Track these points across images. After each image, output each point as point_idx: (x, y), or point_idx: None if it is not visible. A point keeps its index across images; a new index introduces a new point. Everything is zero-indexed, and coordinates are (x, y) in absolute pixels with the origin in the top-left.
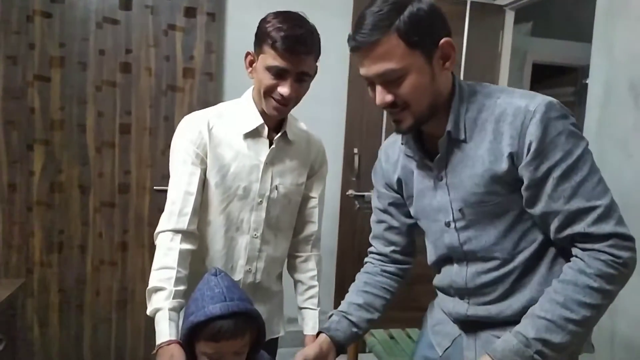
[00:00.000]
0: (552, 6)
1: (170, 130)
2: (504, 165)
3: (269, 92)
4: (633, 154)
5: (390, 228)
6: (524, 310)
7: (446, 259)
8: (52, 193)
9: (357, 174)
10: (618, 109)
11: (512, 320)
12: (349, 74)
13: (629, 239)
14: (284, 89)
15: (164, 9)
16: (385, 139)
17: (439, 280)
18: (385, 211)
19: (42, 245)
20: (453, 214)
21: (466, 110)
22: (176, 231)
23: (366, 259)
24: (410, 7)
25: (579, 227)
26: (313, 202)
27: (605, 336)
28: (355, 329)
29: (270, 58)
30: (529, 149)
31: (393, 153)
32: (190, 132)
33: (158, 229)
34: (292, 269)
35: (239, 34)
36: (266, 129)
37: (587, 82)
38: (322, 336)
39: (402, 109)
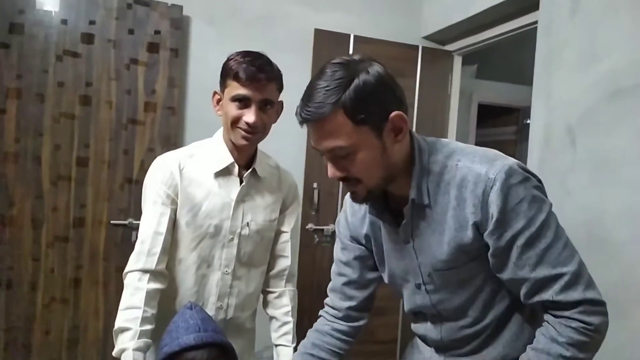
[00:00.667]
0: (495, 51)
1: (129, 163)
2: (469, 234)
3: (235, 123)
4: (571, 192)
5: (350, 282)
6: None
7: (420, 314)
8: (2, 227)
9: (317, 208)
10: (557, 150)
11: None
12: None
13: (600, 303)
14: (249, 117)
15: (126, 44)
16: None
17: (415, 328)
18: (347, 264)
19: None
20: (422, 277)
21: (428, 173)
22: (144, 271)
23: (320, 312)
24: (357, 81)
25: (547, 295)
26: (285, 237)
27: None
28: None
29: (234, 89)
30: (491, 218)
31: (360, 207)
32: (161, 173)
33: (126, 268)
34: (266, 305)
35: (201, 69)
36: (236, 167)
37: (528, 122)
38: None
39: (355, 184)
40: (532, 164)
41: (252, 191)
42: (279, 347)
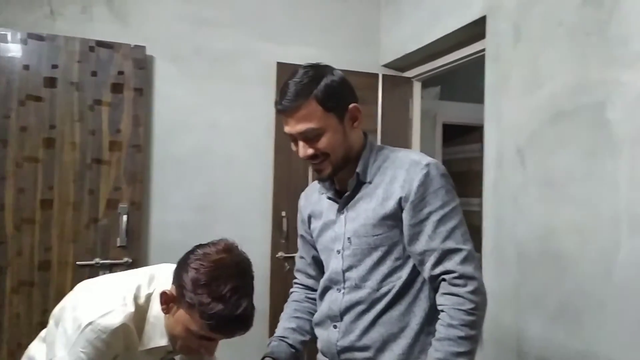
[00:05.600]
0: (457, 73)
1: (95, 203)
2: (392, 204)
3: (188, 349)
4: (523, 209)
5: (309, 263)
6: (382, 344)
7: (328, 287)
8: None
9: (286, 236)
10: (508, 170)
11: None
12: (274, 141)
13: (483, 285)
14: (208, 353)
15: (89, 86)
16: None
17: (318, 313)
18: (304, 248)
19: None
20: (343, 243)
21: (374, 160)
22: None
23: (292, 289)
24: (325, 79)
25: (450, 265)
26: None
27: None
28: (293, 350)
29: (195, 326)
30: (415, 194)
31: (312, 194)
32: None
33: None
34: None
35: (167, 106)
36: (170, 347)
37: None
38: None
39: (323, 160)
40: (487, 184)
41: None
42: None
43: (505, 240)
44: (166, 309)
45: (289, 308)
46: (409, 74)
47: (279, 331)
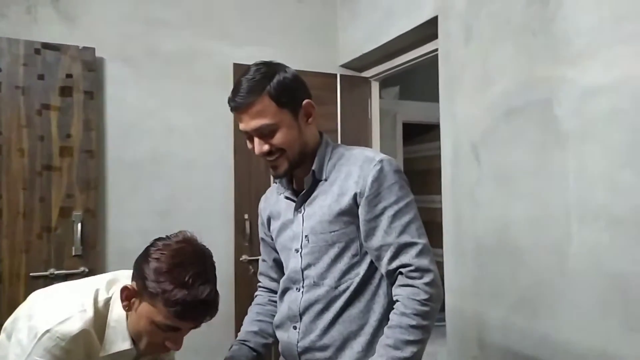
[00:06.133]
0: (415, 72)
1: (46, 211)
2: (347, 200)
3: (153, 346)
4: (479, 204)
5: (271, 266)
6: (343, 343)
7: (288, 288)
8: None
9: (249, 238)
10: (464, 166)
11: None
12: (234, 142)
13: (436, 275)
14: (174, 346)
15: (36, 89)
16: None
17: (278, 315)
18: (265, 252)
19: None
20: (302, 241)
21: (330, 158)
22: None
23: (256, 293)
24: (278, 76)
25: (406, 259)
26: None
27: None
28: (254, 353)
29: (160, 316)
30: (370, 189)
31: (270, 196)
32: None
33: None
34: None
35: (120, 109)
36: (134, 352)
37: None
38: None
39: (279, 156)
40: (445, 181)
41: None
42: None
43: (464, 235)
44: (128, 305)
45: (251, 312)
46: (366, 73)
47: (241, 335)
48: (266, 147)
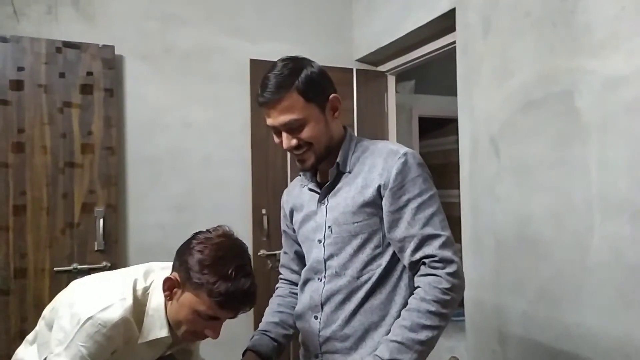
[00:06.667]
0: (431, 66)
1: (69, 207)
2: (371, 192)
3: (192, 333)
4: (500, 198)
5: (292, 259)
6: (364, 333)
7: (309, 278)
8: None
9: (267, 233)
10: (484, 160)
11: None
12: (251, 138)
13: (460, 267)
14: (213, 335)
15: (58, 88)
16: None
17: (299, 305)
18: (287, 244)
19: None
20: (324, 232)
21: (354, 151)
22: None
23: (277, 285)
24: (305, 71)
25: (429, 250)
26: None
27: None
28: (275, 343)
29: (203, 305)
30: (394, 181)
31: (293, 189)
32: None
33: None
34: None
35: (138, 106)
36: (171, 340)
37: None
38: (249, 353)
39: (306, 150)
40: (463, 175)
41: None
42: None
43: (484, 229)
44: (169, 295)
45: (272, 303)
46: (382, 67)
47: (262, 325)
48: (294, 142)
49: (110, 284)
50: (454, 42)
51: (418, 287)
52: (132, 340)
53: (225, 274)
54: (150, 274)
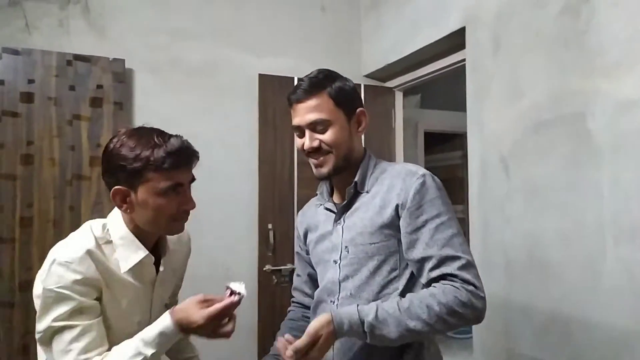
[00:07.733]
0: (437, 81)
1: (76, 219)
2: (390, 212)
3: (172, 218)
4: (509, 219)
5: (305, 281)
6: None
7: (322, 300)
8: None
9: (273, 249)
10: (493, 179)
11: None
12: (258, 152)
13: (483, 292)
14: (188, 205)
15: (68, 100)
16: (297, 213)
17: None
18: (301, 266)
19: None
20: (341, 253)
21: (372, 171)
22: None
23: (289, 308)
24: (339, 81)
25: (449, 269)
26: None
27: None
28: None
29: (159, 182)
30: (412, 201)
31: (307, 209)
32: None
33: None
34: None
35: (147, 119)
36: (152, 258)
37: None
38: None
39: (325, 154)
40: (472, 193)
41: (166, 274)
42: None
43: (493, 248)
44: (128, 206)
45: (284, 326)
46: (390, 84)
47: (273, 349)
48: (316, 143)
49: (67, 239)
50: (464, 60)
51: (434, 286)
52: (111, 275)
53: (154, 143)
54: (98, 221)
